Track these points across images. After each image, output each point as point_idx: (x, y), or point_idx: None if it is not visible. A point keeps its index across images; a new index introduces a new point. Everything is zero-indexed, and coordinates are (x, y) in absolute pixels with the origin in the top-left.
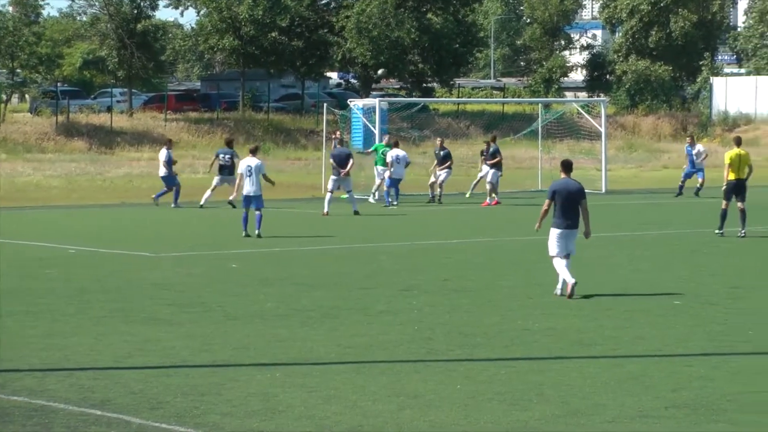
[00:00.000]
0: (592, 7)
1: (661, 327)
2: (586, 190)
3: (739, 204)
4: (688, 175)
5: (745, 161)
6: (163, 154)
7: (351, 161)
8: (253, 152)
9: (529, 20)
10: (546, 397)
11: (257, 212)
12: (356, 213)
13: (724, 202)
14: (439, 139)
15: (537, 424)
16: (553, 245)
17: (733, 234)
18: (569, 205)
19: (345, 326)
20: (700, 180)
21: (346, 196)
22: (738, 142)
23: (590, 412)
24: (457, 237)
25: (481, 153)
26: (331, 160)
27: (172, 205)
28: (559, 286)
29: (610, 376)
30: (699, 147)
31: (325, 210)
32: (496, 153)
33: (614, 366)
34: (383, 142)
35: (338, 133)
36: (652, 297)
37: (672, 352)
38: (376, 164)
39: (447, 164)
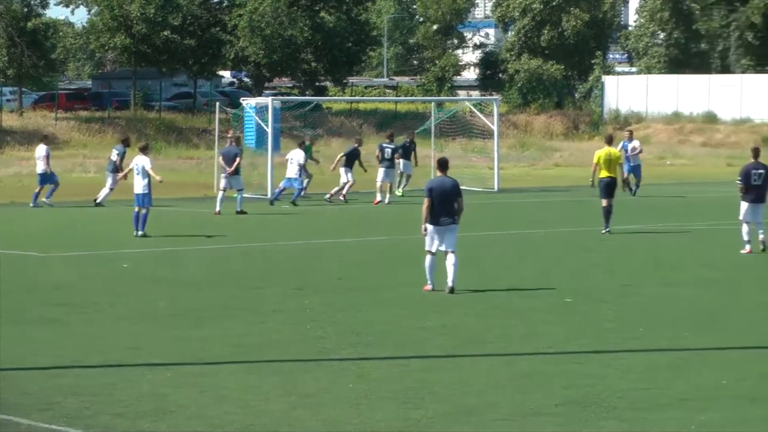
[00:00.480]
0: (485, 6)
1: (553, 325)
2: (478, 189)
3: (611, 202)
4: (630, 170)
5: (615, 160)
6: (41, 149)
7: (238, 160)
8: (143, 150)
9: (422, 19)
10: (439, 395)
11: (143, 211)
12: (240, 212)
13: (603, 201)
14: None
15: (430, 422)
16: (428, 240)
17: (622, 231)
18: (445, 202)
19: (237, 326)
20: (635, 179)
21: (236, 195)
22: (609, 140)
23: (483, 410)
24: (350, 236)
25: (396, 149)
26: (221, 159)
27: (45, 199)
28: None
29: (502, 373)
30: (635, 142)
31: (217, 209)
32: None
33: (506, 364)
34: (307, 142)
35: (231, 131)
36: (543, 295)
37: (563, 349)
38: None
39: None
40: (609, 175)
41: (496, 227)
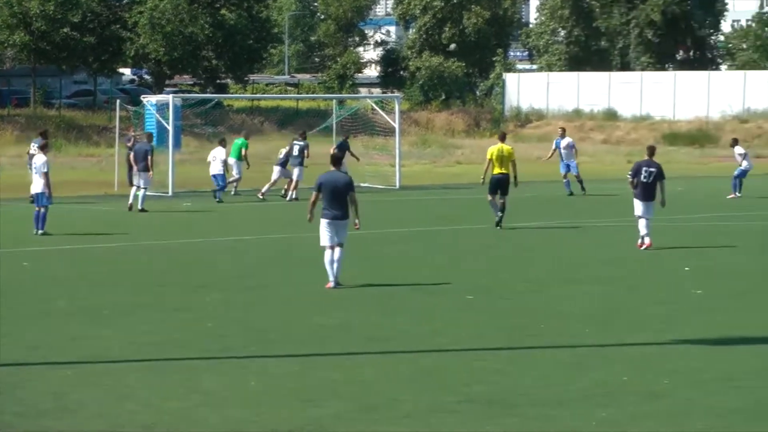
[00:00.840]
0: (386, 4)
1: (455, 322)
2: (380, 186)
3: (500, 199)
4: (567, 168)
5: (508, 157)
6: None
7: (150, 157)
8: (42, 149)
9: (323, 16)
10: (340, 393)
11: (42, 210)
12: (142, 210)
13: (488, 196)
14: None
15: (331, 420)
16: (323, 235)
17: (523, 228)
18: (336, 197)
19: (139, 324)
20: (574, 174)
21: (140, 192)
22: (502, 137)
23: (385, 408)
24: (252, 233)
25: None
26: (131, 156)
27: None
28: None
29: (404, 371)
30: (568, 140)
31: (130, 202)
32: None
33: (409, 361)
34: (242, 137)
35: (132, 129)
36: (446, 292)
37: (466, 346)
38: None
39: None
40: (500, 171)
41: (398, 224)
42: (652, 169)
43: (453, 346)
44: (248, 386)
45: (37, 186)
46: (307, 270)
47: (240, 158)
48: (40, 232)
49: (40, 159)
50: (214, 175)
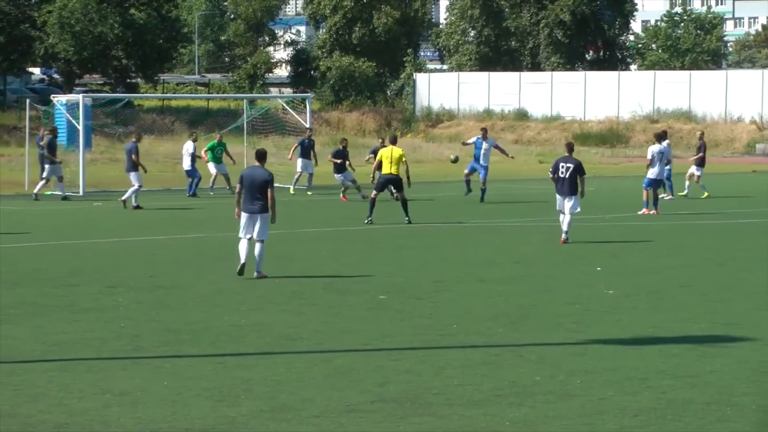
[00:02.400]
0: (296, 3)
1: (368, 321)
2: (280, 185)
3: (397, 194)
4: (473, 170)
5: (398, 158)
6: None
7: (132, 155)
8: None
9: (233, 16)
10: (254, 392)
11: None
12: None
13: (373, 192)
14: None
15: (244, 419)
16: (241, 227)
17: (434, 228)
18: (254, 191)
19: (50, 323)
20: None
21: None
22: (393, 140)
23: (298, 407)
24: (163, 233)
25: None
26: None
27: None
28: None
29: (317, 370)
30: (491, 141)
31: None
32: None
33: (321, 361)
34: (216, 141)
35: (42, 129)
36: (358, 292)
37: (378, 346)
38: (213, 161)
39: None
40: (390, 172)
41: (309, 224)
42: (569, 165)
43: (365, 346)
44: (161, 386)
45: None
46: (218, 269)
47: (218, 161)
48: None
49: None
50: (185, 171)
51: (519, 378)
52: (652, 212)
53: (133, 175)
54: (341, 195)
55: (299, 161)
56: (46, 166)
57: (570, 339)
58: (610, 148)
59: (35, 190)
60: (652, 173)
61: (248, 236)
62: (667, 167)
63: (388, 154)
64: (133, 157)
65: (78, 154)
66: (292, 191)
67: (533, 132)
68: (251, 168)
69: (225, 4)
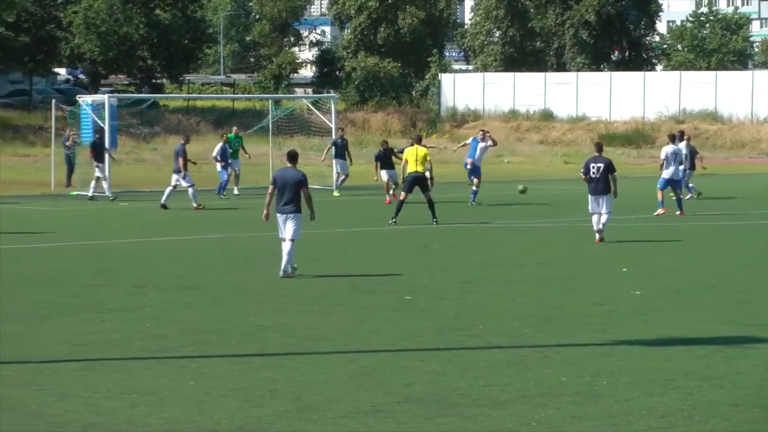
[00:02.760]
0: (321, 4)
1: (394, 322)
2: (317, 186)
3: (425, 195)
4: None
5: (423, 158)
6: None
7: (180, 158)
8: None
9: (258, 16)
10: (280, 393)
11: None
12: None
13: (402, 194)
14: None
15: (271, 420)
16: (281, 228)
17: (460, 228)
18: (287, 192)
19: (76, 323)
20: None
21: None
22: (418, 140)
23: (324, 408)
24: (189, 234)
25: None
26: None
27: None
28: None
29: (343, 371)
30: (489, 142)
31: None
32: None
33: (347, 361)
34: (233, 133)
35: (68, 129)
36: (384, 292)
37: (404, 346)
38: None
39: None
40: (416, 170)
41: (335, 225)
42: (600, 165)
43: (391, 347)
44: (187, 386)
45: None
46: (244, 270)
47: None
48: None
49: None
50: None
51: (545, 379)
52: (677, 213)
53: (175, 177)
54: (388, 196)
55: (335, 162)
56: (95, 165)
57: (596, 340)
58: (636, 148)
59: (89, 193)
60: (666, 173)
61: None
62: (681, 167)
63: (414, 153)
64: (180, 160)
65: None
66: (336, 194)
67: (559, 132)
68: (283, 169)
69: (250, 4)
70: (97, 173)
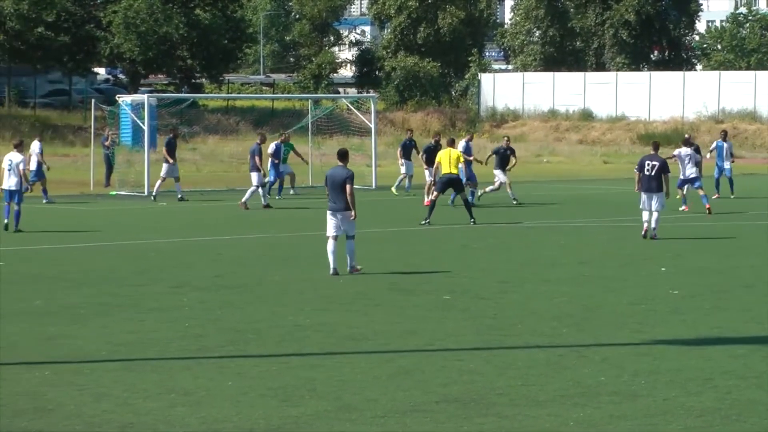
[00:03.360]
0: (361, 4)
1: (432, 322)
2: (356, 186)
3: (461, 196)
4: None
5: (456, 159)
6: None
7: (256, 157)
8: (17, 147)
9: (298, 16)
10: (318, 392)
11: (16, 207)
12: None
13: (434, 194)
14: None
15: (309, 419)
16: (328, 226)
17: (499, 228)
18: (336, 189)
19: (115, 323)
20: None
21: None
22: (451, 142)
23: (362, 407)
24: (228, 233)
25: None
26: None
27: None
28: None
29: (381, 371)
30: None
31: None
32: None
33: (385, 361)
34: (280, 140)
35: (107, 129)
36: (422, 292)
37: (442, 346)
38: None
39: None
40: (450, 172)
41: (374, 224)
42: (655, 163)
43: (429, 346)
44: (226, 386)
45: (11, 183)
46: (283, 269)
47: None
48: (15, 228)
49: (16, 156)
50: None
51: (583, 378)
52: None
53: (254, 176)
54: (427, 197)
55: (403, 163)
56: (164, 166)
57: (634, 339)
58: (675, 148)
59: (153, 192)
60: (683, 174)
61: (333, 234)
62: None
63: (447, 155)
64: (256, 159)
65: (143, 154)
66: (394, 192)
67: (598, 132)
68: (334, 168)
69: (290, 4)
70: (167, 173)
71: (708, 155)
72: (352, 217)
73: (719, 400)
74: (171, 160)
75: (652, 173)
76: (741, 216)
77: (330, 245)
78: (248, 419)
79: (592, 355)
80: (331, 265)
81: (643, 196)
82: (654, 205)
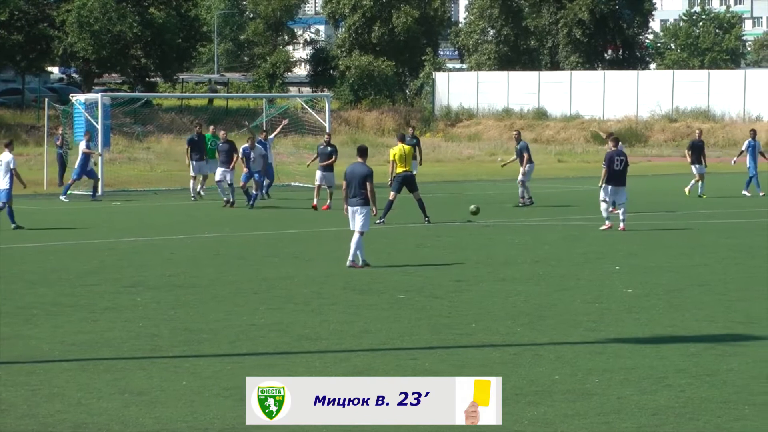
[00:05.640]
0: (315, 3)
1: (387, 321)
2: (311, 185)
3: (414, 195)
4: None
5: (409, 155)
6: None
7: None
8: (8, 146)
9: (252, 15)
10: None
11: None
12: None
13: (391, 194)
14: (326, 134)
15: None
16: (350, 222)
17: (454, 227)
18: (355, 186)
19: (69, 323)
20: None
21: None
22: (401, 138)
23: None
24: (182, 233)
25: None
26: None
27: None
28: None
29: (336, 370)
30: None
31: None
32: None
33: (340, 360)
34: (210, 133)
35: (61, 128)
36: (377, 291)
37: (397, 345)
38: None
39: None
40: (405, 169)
41: (328, 224)
42: (623, 158)
43: (384, 345)
44: (180, 386)
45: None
46: (238, 269)
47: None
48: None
49: (6, 156)
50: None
51: (537, 377)
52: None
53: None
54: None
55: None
56: (193, 163)
57: (588, 338)
58: (629, 147)
59: (197, 191)
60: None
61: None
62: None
63: (401, 152)
64: (236, 158)
65: (97, 154)
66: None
67: (552, 131)
68: (353, 164)
69: (244, 3)
70: (197, 171)
71: (735, 158)
72: (373, 213)
73: (673, 399)
74: (187, 160)
75: (621, 167)
76: (696, 216)
77: (354, 238)
78: (203, 419)
79: (546, 354)
80: (360, 258)
81: (610, 189)
82: (621, 198)
